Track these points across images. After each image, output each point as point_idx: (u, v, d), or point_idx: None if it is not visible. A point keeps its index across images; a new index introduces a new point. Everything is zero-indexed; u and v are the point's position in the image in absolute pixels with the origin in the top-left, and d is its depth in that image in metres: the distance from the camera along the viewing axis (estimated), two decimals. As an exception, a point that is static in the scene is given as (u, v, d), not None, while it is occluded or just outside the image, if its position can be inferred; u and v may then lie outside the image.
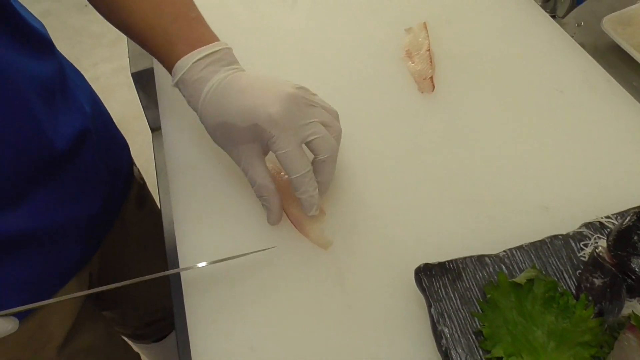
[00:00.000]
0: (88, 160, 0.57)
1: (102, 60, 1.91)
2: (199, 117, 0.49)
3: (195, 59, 0.47)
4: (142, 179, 0.80)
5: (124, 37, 0.78)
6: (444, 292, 0.43)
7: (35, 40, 0.52)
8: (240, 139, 0.46)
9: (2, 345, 0.55)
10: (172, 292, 0.54)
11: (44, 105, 0.49)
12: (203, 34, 0.49)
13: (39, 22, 0.56)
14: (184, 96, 0.49)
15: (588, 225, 0.47)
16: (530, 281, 0.42)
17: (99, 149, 0.60)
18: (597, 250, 0.43)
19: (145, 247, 0.76)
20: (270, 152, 0.47)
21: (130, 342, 0.88)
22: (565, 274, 0.44)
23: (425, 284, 0.44)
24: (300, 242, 0.50)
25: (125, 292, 0.81)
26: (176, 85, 0.49)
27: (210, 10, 0.53)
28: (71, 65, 0.64)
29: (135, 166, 0.78)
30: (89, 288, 0.69)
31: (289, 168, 0.45)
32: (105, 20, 0.55)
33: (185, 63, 0.47)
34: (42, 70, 0.51)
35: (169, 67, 0.49)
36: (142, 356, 0.93)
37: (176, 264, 0.50)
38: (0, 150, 0.45)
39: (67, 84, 0.57)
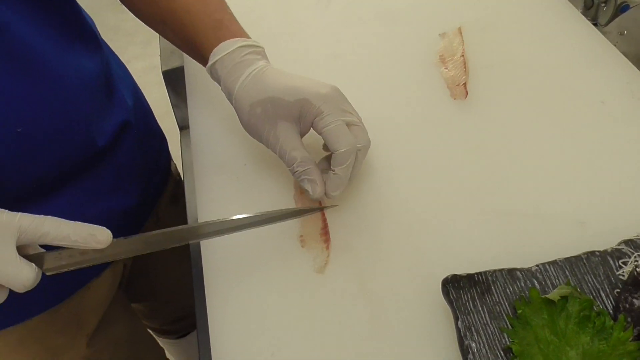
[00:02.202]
0: (127, 152, 0.58)
1: (134, 58, 1.95)
2: (232, 99, 0.50)
3: (239, 45, 0.49)
4: (180, 175, 0.81)
5: (156, 36, 0.79)
6: (472, 305, 0.42)
7: (85, 34, 0.53)
8: (282, 115, 0.47)
9: (41, 329, 0.57)
10: (195, 290, 0.54)
11: (90, 101, 0.51)
12: (241, 29, 0.52)
13: (87, 14, 0.57)
14: (217, 77, 0.51)
15: (628, 242, 0.45)
16: (564, 298, 0.41)
17: (139, 142, 0.61)
18: (638, 269, 0.41)
19: None
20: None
21: (154, 337, 0.89)
22: (602, 293, 0.42)
23: (453, 295, 0.42)
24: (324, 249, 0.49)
25: (157, 286, 0.83)
26: (213, 65, 0.50)
27: (241, 14, 0.54)
28: (115, 56, 0.65)
29: (173, 162, 0.79)
30: (122, 279, 0.71)
31: (338, 141, 0.46)
32: (138, 19, 0.56)
33: (230, 45, 0.49)
34: (89, 65, 0.52)
35: (208, 50, 0.50)
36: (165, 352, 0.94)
37: (199, 265, 0.50)
38: (44, 145, 0.46)
39: (112, 78, 0.58)
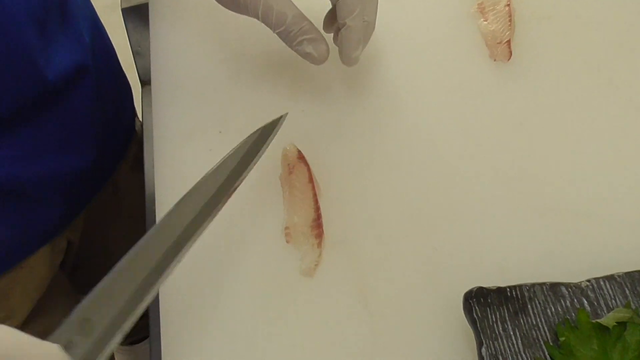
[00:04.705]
0: (83, 101, 0.57)
1: (94, -6, 1.93)
2: None
3: None
4: None
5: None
6: (501, 328, 0.41)
7: None
8: None
9: None
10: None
11: (38, 30, 0.49)
12: None
13: None
14: None
15: None
16: (622, 324, 0.40)
17: (97, 90, 0.60)
18: None
19: (137, 220, 0.77)
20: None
21: None
22: (670, 320, 0.41)
23: (477, 314, 0.41)
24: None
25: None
26: None
27: None
28: None
29: (138, 119, 0.78)
30: (65, 259, 0.70)
31: None
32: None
33: None
34: None
35: None
36: None
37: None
38: None
39: (66, 6, 0.57)
